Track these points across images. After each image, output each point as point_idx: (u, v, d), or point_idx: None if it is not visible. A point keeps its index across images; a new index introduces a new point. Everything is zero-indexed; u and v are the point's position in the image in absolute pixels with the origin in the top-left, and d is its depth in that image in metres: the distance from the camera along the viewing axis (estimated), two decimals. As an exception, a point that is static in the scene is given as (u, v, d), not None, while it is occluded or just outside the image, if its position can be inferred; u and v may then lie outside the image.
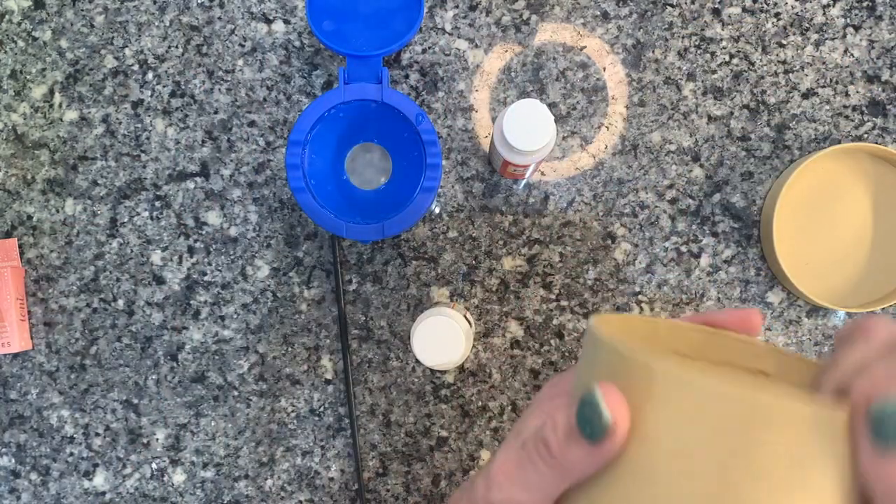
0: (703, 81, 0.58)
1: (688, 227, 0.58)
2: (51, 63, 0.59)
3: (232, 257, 0.59)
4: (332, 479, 0.59)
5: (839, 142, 0.58)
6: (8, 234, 0.59)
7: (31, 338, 0.59)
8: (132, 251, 0.59)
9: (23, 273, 0.59)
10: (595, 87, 0.58)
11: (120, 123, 0.59)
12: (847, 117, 0.58)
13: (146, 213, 0.59)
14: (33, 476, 0.59)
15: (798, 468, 0.21)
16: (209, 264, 0.59)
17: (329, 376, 0.59)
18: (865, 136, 0.58)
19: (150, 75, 0.59)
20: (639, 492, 0.23)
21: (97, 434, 0.59)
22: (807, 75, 0.58)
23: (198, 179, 0.59)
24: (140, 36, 0.59)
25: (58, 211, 0.59)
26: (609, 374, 0.24)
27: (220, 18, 0.59)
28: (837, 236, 0.58)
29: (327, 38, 0.51)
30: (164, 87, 0.59)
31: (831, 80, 0.58)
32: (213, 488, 0.59)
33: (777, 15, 0.58)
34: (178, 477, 0.59)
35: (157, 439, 0.59)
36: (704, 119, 0.58)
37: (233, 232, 0.59)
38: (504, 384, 0.58)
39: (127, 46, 0.59)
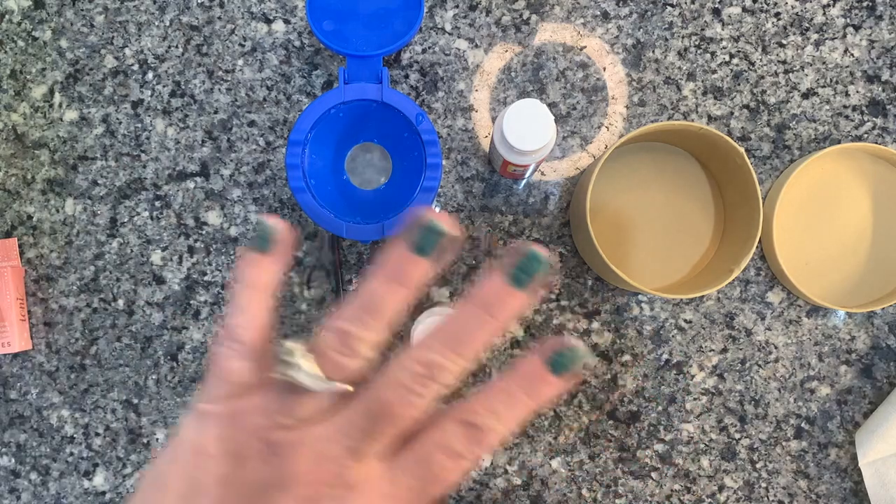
0: (703, 81, 0.58)
1: (688, 227, 0.58)
2: (51, 63, 0.59)
3: (232, 257, 0.59)
4: (332, 479, 0.59)
5: (839, 142, 0.58)
6: (8, 234, 0.59)
7: (31, 338, 0.59)
8: (132, 251, 0.59)
9: (23, 273, 0.59)
10: (595, 87, 0.58)
11: (120, 123, 0.59)
12: (847, 117, 0.58)
13: (146, 213, 0.59)
14: (33, 476, 0.59)
15: None
16: (209, 264, 0.59)
17: (329, 376, 0.59)
18: (865, 136, 0.58)
19: (150, 75, 0.59)
20: None
21: (97, 434, 0.59)
22: (807, 75, 0.58)
23: (198, 179, 0.59)
24: (140, 36, 0.59)
25: (58, 211, 0.59)
26: None
27: (220, 18, 0.59)
28: (837, 236, 0.58)
29: (327, 38, 0.51)
30: (164, 86, 0.59)
31: (831, 80, 0.58)
32: (213, 488, 0.59)
33: (777, 15, 0.58)
34: (178, 477, 0.59)
35: (157, 439, 0.59)
36: (704, 119, 0.58)
37: (233, 232, 0.59)
38: (504, 384, 0.58)
39: (127, 46, 0.59)
